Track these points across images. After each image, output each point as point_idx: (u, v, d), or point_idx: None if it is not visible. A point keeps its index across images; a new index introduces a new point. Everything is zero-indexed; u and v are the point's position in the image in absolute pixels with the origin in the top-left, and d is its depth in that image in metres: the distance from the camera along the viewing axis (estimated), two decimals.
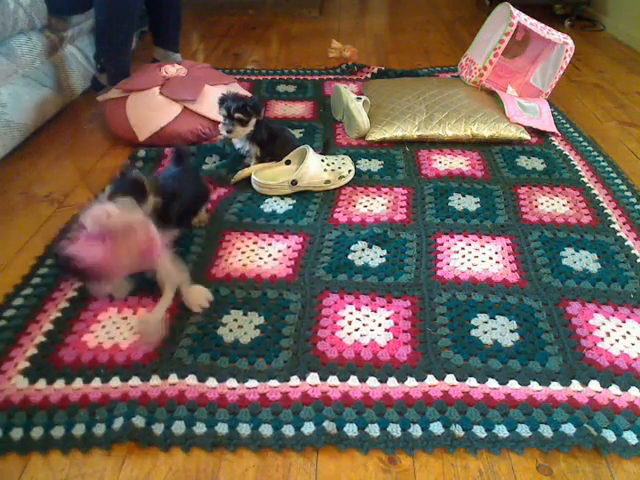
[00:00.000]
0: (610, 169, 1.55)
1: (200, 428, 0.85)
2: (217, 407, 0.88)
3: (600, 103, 2.06)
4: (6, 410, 0.87)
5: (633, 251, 1.22)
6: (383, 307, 1.07)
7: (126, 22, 1.81)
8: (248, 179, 1.45)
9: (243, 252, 1.22)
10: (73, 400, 0.89)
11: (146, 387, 0.91)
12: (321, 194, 1.43)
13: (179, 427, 0.85)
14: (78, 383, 0.92)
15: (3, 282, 1.13)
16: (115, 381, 0.92)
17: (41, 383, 0.92)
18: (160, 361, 0.95)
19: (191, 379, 0.92)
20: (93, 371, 0.93)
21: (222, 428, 0.85)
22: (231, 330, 1.01)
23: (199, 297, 1.06)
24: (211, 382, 0.91)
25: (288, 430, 0.84)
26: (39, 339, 1.00)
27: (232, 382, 0.92)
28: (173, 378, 0.92)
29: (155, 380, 0.92)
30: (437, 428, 0.84)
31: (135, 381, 0.92)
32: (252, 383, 0.91)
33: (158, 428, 0.85)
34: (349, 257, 1.20)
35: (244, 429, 0.84)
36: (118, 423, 0.84)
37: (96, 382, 0.92)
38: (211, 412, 0.87)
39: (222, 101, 1.44)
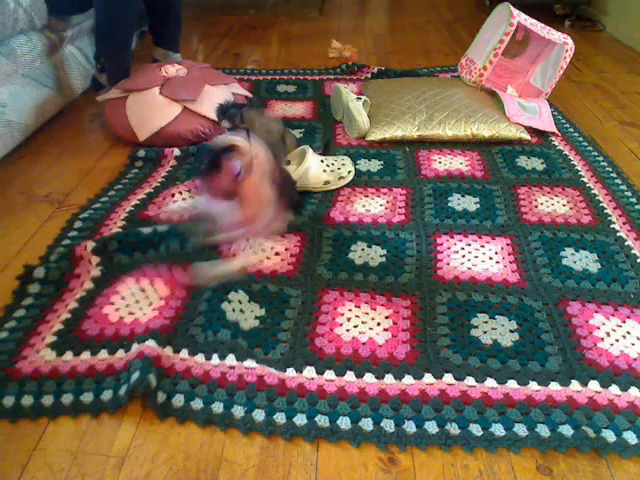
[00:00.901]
0: (610, 169, 1.55)
1: (197, 404, 0.89)
2: (217, 386, 0.91)
3: (600, 103, 2.06)
4: (36, 379, 0.92)
5: (633, 251, 1.22)
6: (383, 306, 1.07)
7: (126, 22, 1.81)
8: None
9: None
10: (100, 369, 0.94)
11: (161, 352, 0.95)
12: (319, 195, 1.43)
13: (178, 400, 0.89)
14: (103, 354, 0.96)
15: (3, 282, 1.13)
16: (134, 347, 0.96)
17: (68, 355, 0.96)
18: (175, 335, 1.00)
19: (199, 357, 0.96)
20: (117, 342, 0.98)
21: (218, 407, 0.88)
22: (234, 310, 1.03)
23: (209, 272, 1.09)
24: (214, 360, 0.95)
25: (280, 418, 0.86)
26: (65, 316, 1.04)
27: (232, 360, 0.94)
28: (184, 353, 0.96)
29: (168, 351, 0.96)
30: (432, 426, 0.85)
31: (151, 343, 0.95)
32: (250, 363, 0.93)
33: (161, 397, 0.89)
34: (349, 256, 1.20)
35: (238, 411, 0.87)
36: (134, 378, 0.88)
37: (120, 353, 0.96)
38: (211, 390, 0.90)
39: (223, 111, 1.42)
